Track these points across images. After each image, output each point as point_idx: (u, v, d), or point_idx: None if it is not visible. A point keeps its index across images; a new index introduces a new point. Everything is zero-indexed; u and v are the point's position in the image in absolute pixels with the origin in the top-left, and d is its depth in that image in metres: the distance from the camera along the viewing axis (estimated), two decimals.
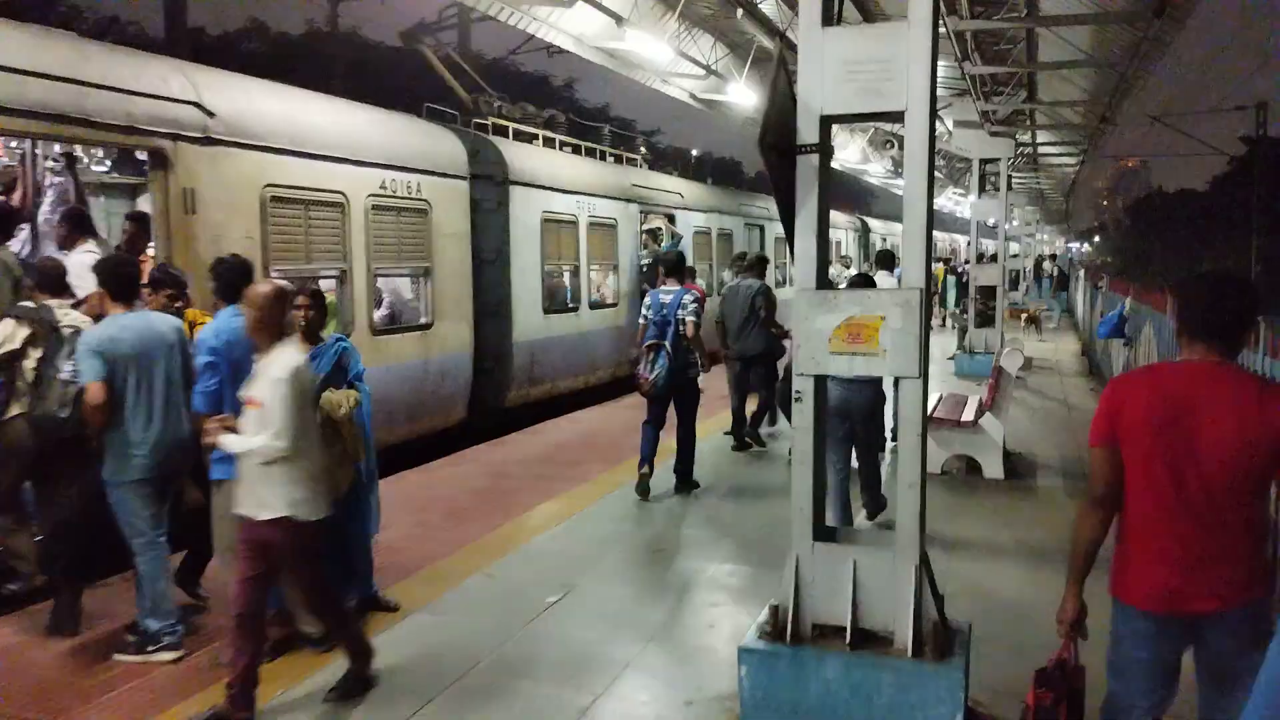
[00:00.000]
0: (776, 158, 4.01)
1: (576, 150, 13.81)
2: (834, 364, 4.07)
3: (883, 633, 4.02)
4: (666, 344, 7.42)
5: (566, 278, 12.49)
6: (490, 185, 10.52)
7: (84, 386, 4.49)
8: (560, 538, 6.79)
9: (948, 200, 48.46)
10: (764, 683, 4.01)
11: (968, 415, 8.75)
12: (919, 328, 3.90)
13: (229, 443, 3.96)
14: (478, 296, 10.20)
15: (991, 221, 18.56)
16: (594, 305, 12.91)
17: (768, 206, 22.11)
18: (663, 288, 7.74)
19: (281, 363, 3.93)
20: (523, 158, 11.41)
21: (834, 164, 21.23)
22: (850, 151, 25.77)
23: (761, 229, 20.76)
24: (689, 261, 16.03)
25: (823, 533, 4.27)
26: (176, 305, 5.11)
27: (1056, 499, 7.83)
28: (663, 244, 15.07)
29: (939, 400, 9.54)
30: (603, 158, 14.65)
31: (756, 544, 6.49)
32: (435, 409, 9.47)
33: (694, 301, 7.54)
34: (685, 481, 7.92)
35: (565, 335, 12.07)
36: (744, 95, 15.53)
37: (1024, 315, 23.53)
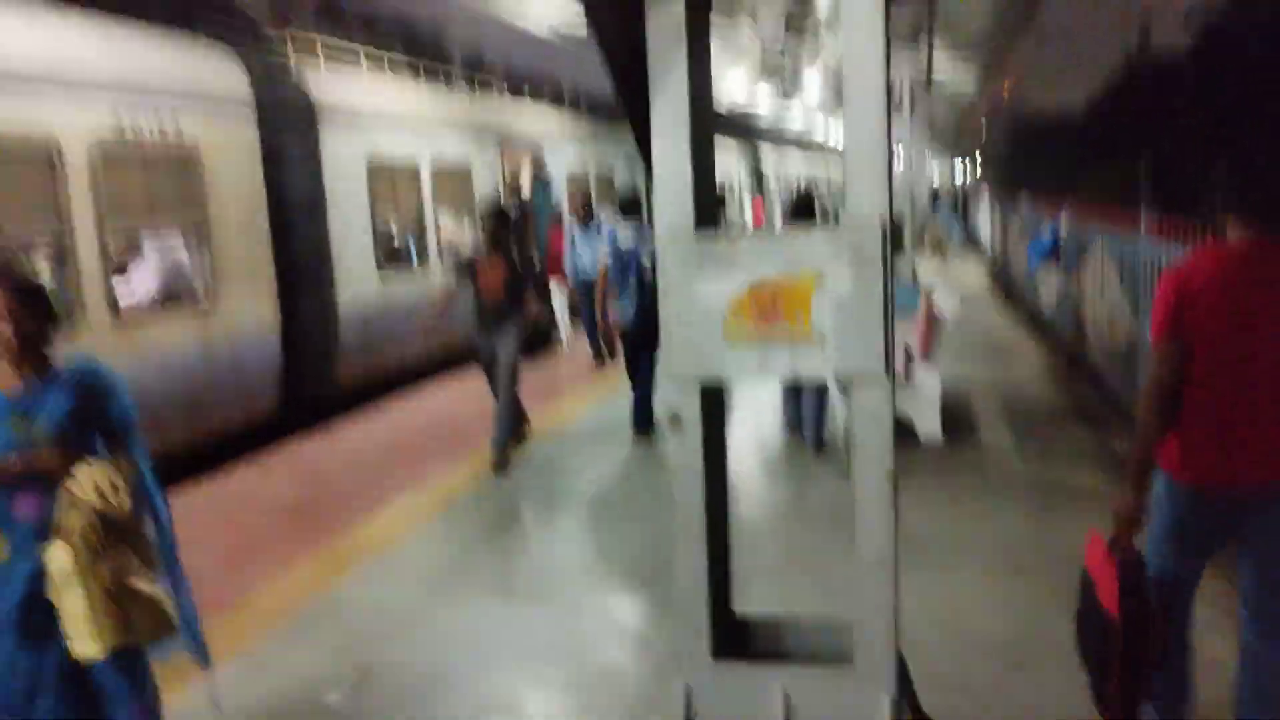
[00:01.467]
0: (609, 5, 2.16)
1: (415, 76, 11.61)
2: (733, 361, 2.31)
3: None
4: (632, 283, 6.91)
5: (407, 231, 10.41)
6: (294, 122, 8.37)
7: None
8: (371, 582, 4.95)
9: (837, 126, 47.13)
10: None
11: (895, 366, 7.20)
12: (883, 291, 2.16)
13: None
14: (284, 260, 8.11)
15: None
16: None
17: None
18: (621, 225, 7.22)
19: None
20: (338, 86, 9.25)
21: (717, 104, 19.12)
22: (730, 84, 23.77)
23: None
24: (561, 203, 14.14)
25: (728, 641, 2.55)
26: None
27: (1013, 466, 6.37)
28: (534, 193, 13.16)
29: None
30: (450, 85, 12.51)
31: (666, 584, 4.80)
32: (228, 407, 7.42)
33: None
34: (648, 425, 7.34)
35: (409, 299, 10.04)
36: None
37: (927, 239, 22.43)
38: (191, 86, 7.20)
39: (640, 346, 7.08)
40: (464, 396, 9.36)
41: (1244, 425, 2.72)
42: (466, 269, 6.95)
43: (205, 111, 7.25)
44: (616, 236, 7.10)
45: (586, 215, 10.23)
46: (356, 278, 9.10)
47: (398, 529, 5.71)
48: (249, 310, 7.67)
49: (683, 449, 2.43)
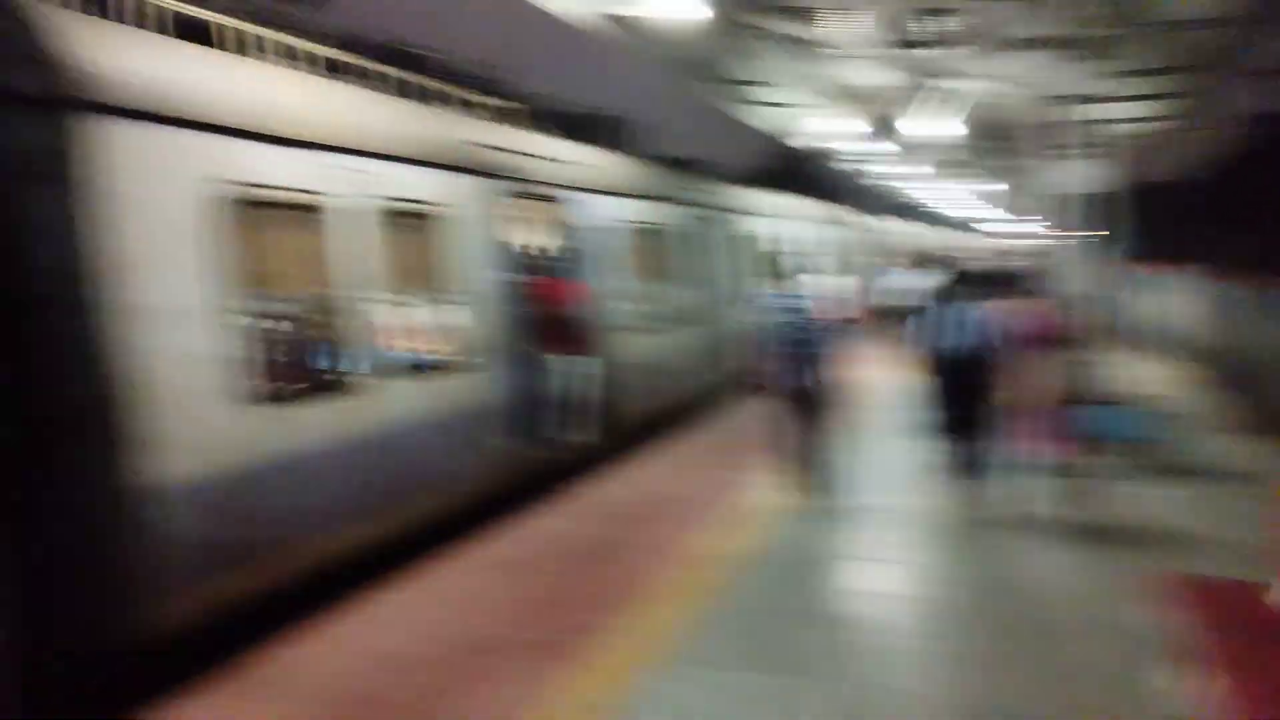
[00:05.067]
0: None
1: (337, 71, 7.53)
2: None
3: None
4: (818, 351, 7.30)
5: (313, 321, 6.03)
6: (22, 114, 4.21)
7: None
8: None
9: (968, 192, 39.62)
10: None
11: None
12: None
13: None
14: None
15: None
16: (386, 368, 6.44)
17: (715, 192, 14.95)
18: (787, 291, 7.48)
19: None
20: (142, 55, 5.06)
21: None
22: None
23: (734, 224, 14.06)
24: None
25: None
26: None
27: None
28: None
29: None
30: (409, 94, 8.37)
31: None
32: None
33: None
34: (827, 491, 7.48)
35: (312, 454, 5.61)
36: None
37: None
38: None
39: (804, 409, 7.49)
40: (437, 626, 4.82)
41: None
42: None
43: None
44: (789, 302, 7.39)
45: None
46: (197, 408, 4.74)
47: None
48: None
49: None
